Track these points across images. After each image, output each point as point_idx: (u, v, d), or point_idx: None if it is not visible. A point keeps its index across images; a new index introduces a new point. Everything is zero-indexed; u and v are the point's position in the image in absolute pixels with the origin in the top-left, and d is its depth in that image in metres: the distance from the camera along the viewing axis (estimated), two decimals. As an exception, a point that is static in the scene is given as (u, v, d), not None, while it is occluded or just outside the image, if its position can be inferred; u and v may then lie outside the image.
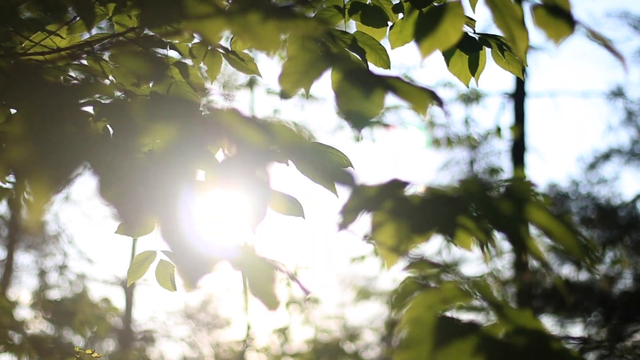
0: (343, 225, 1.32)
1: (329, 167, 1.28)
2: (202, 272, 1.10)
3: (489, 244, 1.33)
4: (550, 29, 1.32)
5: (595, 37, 1.33)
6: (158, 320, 17.66)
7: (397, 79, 1.36)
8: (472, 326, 1.18)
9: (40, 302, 11.26)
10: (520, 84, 13.01)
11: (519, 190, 1.19)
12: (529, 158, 13.76)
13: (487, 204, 1.20)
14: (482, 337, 1.16)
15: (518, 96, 12.96)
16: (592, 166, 14.23)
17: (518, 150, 12.58)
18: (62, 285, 15.27)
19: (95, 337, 15.03)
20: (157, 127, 1.08)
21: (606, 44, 1.31)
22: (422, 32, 1.50)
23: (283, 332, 16.47)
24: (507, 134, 13.03)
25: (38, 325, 11.84)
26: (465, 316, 1.27)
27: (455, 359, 1.14)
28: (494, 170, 13.37)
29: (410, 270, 1.36)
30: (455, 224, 1.26)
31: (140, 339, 16.91)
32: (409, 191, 1.32)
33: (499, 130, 13.17)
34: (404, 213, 1.29)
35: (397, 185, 1.31)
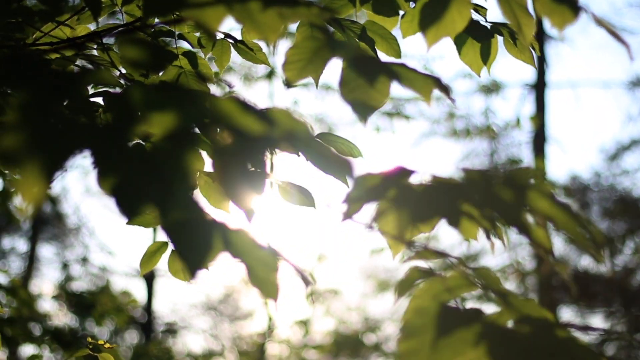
0: (347, 215, 1.31)
1: (329, 155, 1.27)
2: (202, 262, 1.09)
3: (495, 233, 1.32)
4: (553, 16, 1.31)
5: (601, 23, 1.31)
6: (180, 312, 17.71)
7: (402, 65, 1.35)
8: (475, 315, 1.17)
9: (63, 294, 11.31)
10: (540, 74, 12.95)
11: (521, 178, 1.18)
12: (549, 149, 13.69)
13: (490, 191, 1.19)
14: (485, 326, 1.15)
15: (539, 87, 12.90)
16: (614, 157, 14.16)
17: (539, 142, 12.53)
18: (84, 277, 15.34)
19: (119, 329, 15.10)
20: (156, 115, 1.08)
21: (611, 30, 1.30)
22: (428, 20, 1.49)
23: (304, 324, 16.50)
24: (528, 125, 12.99)
25: (62, 317, 11.90)
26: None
27: (457, 347, 1.13)
28: (514, 162, 13.33)
29: (415, 259, 1.35)
30: (459, 212, 1.25)
31: (162, 331, 16.96)
32: (414, 180, 1.31)
33: (519, 121, 13.13)
34: (407, 201, 1.28)
35: (401, 174, 1.30)
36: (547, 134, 12.60)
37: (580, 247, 1.18)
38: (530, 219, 1.22)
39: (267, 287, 1.15)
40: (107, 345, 2.22)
